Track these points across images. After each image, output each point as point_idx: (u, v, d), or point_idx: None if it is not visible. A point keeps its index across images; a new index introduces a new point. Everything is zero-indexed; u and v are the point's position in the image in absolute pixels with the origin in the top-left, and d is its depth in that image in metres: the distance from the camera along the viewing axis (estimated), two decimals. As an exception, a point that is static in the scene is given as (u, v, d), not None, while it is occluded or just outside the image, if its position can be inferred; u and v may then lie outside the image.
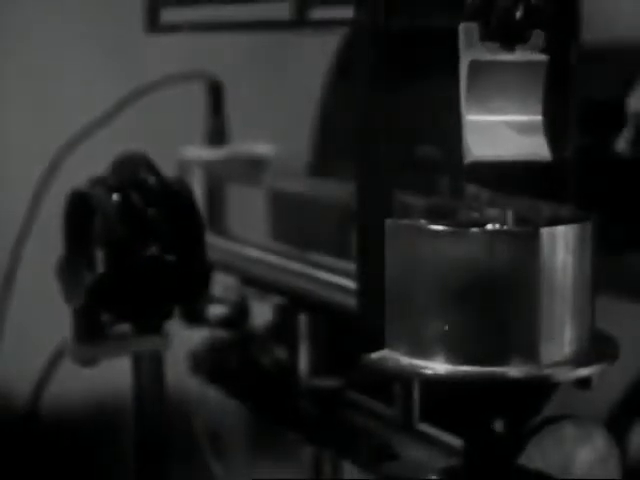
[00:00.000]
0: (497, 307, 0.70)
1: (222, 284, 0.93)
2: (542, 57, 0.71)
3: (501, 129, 0.70)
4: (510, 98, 0.70)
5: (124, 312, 0.86)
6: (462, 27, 0.71)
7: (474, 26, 0.72)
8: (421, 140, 0.92)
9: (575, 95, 0.82)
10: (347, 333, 0.89)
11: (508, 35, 0.69)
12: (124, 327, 0.87)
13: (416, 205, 0.79)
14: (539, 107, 0.70)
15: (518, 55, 0.70)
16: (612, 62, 1.09)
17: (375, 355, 0.74)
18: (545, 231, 0.70)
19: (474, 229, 0.71)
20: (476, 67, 0.71)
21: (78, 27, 1.37)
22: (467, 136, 0.69)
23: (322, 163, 1.07)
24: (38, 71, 1.38)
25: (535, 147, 0.70)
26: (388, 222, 0.74)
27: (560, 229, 0.71)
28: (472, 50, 0.70)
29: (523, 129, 0.71)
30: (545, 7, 0.69)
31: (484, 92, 0.70)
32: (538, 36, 0.70)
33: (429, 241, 0.71)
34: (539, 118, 0.70)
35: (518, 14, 0.69)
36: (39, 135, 1.34)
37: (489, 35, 0.70)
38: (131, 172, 0.85)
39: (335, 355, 0.92)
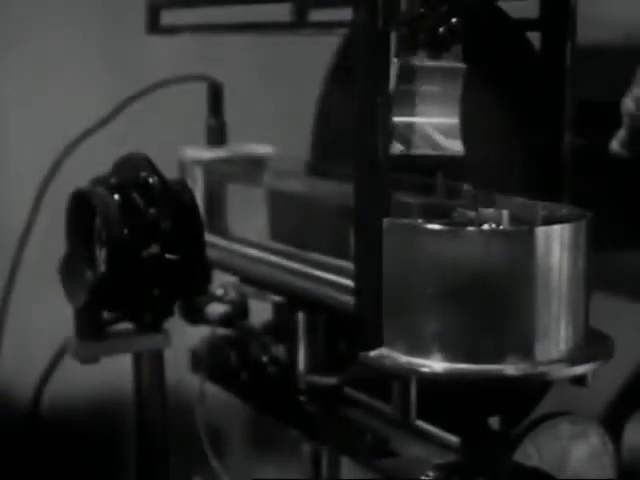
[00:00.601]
0: (493, 305, 0.71)
1: (222, 283, 0.94)
2: (461, 65, 0.77)
3: (424, 129, 0.77)
4: (433, 102, 0.77)
5: (125, 310, 0.87)
6: (394, 35, 0.78)
7: (405, 35, 0.79)
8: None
9: (570, 96, 0.82)
10: (345, 331, 0.90)
11: (433, 45, 0.77)
12: (125, 325, 0.88)
13: (413, 204, 0.80)
14: (457, 110, 0.77)
15: (441, 62, 0.77)
16: (607, 64, 1.10)
17: (373, 353, 0.75)
18: (540, 230, 0.71)
19: (470, 228, 0.72)
20: (405, 72, 0.77)
21: (79, 28, 1.37)
22: (395, 134, 0.76)
23: (321, 163, 1.07)
24: (39, 72, 1.38)
25: (451, 145, 0.76)
26: (386, 221, 0.74)
27: (555, 228, 0.72)
28: (402, 56, 0.77)
29: (442, 130, 0.77)
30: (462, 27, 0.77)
31: (411, 95, 0.77)
32: (458, 48, 0.77)
33: (426, 240, 0.72)
34: (456, 120, 0.76)
35: (441, 30, 0.76)
36: (40, 136, 1.34)
37: (417, 44, 0.77)
38: (132, 173, 0.86)
39: (333, 353, 0.93)
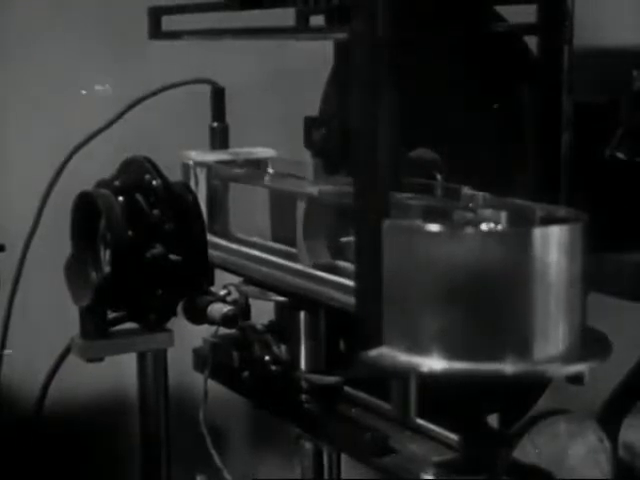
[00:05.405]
0: (491, 305, 0.71)
1: (224, 283, 0.94)
2: None
3: None
4: None
5: (129, 310, 0.88)
6: (312, 162, 0.89)
7: (319, 162, 0.88)
8: (418, 142, 0.93)
9: (568, 98, 0.83)
10: (346, 331, 0.91)
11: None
12: (129, 325, 0.89)
13: (413, 206, 0.81)
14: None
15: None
16: (604, 66, 1.10)
17: (373, 352, 0.76)
18: (538, 231, 0.72)
19: (469, 229, 0.73)
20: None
21: (83, 34, 1.38)
22: None
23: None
24: (42, 76, 1.38)
25: None
26: (386, 223, 0.75)
27: (552, 229, 0.72)
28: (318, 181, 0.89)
29: None
30: None
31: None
32: None
33: (425, 241, 0.73)
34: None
35: None
36: (45, 139, 1.35)
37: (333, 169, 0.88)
38: (136, 175, 0.87)
39: (334, 352, 0.94)
